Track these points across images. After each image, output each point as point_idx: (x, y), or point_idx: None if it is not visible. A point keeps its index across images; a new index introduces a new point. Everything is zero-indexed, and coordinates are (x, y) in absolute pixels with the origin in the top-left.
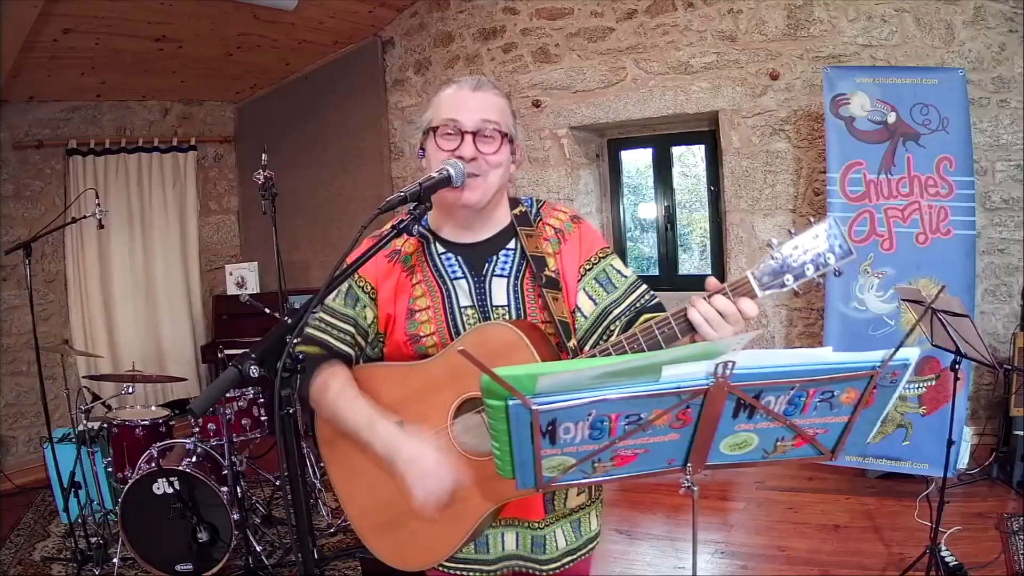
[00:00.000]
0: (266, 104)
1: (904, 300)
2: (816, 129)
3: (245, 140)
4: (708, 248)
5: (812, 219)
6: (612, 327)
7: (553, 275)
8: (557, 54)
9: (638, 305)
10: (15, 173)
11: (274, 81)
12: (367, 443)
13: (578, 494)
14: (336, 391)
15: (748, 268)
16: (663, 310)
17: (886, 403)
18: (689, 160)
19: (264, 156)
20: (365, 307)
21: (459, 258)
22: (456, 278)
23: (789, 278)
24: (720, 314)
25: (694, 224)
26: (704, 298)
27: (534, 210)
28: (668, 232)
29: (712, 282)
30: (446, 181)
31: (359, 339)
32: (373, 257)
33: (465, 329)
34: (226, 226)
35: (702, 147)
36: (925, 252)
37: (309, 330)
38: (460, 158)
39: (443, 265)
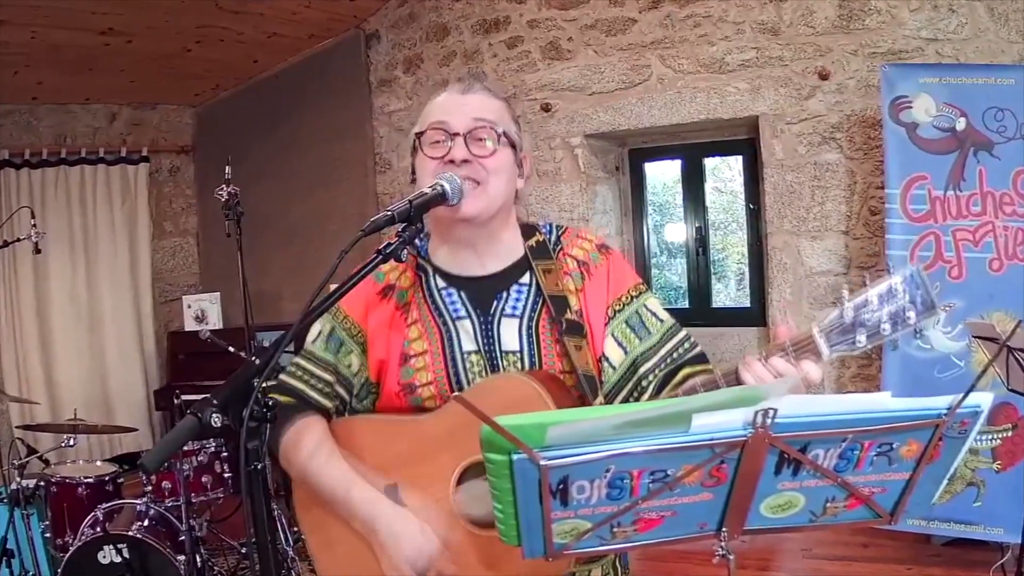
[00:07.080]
0: (230, 108)
1: (975, 337)
2: (873, 137)
3: (206, 150)
4: (746, 276)
5: (891, 268)
6: (644, 382)
7: (576, 318)
8: (570, 50)
9: (675, 356)
10: None
11: (239, 81)
12: (343, 512)
13: (604, 575)
14: (310, 449)
15: (812, 318)
16: (706, 362)
17: (954, 457)
18: (724, 173)
19: (228, 169)
20: (350, 353)
21: (462, 294)
22: (459, 317)
23: (861, 338)
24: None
25: (730, 248)
26: (760, 358)
27: (553, 238)
28: (700, 257)
29: (781, 332)
30: (440, 198)
31: (339, 390)
32: (364, 295)
33: (468, 377)
34: (183, 250)
35: (739, 158)
36: (1000, 281)
37: (283, 376)
38: (451, 162)
39: (443, 302)
